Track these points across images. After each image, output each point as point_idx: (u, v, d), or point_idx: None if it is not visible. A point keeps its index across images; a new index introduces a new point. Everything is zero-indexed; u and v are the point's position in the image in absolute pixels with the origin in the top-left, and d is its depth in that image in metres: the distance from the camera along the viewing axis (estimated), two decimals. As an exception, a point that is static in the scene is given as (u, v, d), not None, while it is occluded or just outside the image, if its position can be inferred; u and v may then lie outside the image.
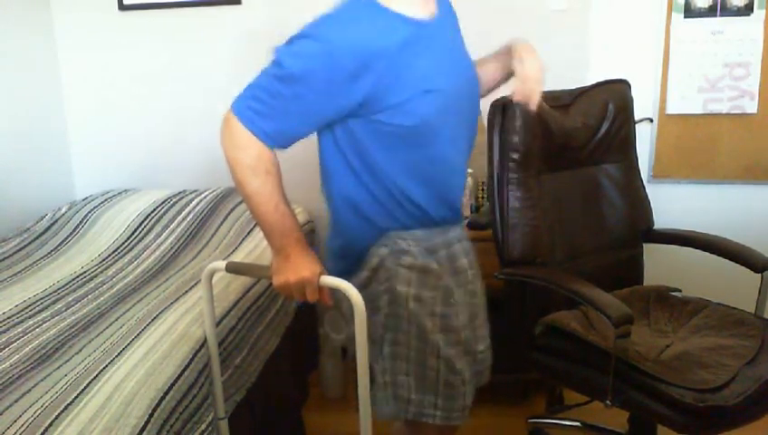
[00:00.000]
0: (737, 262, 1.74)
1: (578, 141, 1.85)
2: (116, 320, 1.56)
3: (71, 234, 2.25)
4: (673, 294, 1.86)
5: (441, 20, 1.26)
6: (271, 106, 1.13)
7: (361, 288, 1.27)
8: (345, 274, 1.29)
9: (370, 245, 1.28)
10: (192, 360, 1.40)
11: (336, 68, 1.09)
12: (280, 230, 1.19)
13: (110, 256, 2.07)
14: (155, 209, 2.32)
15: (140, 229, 2.23)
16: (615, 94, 1.90)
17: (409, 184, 1.24)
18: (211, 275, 1.38)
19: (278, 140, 1.17)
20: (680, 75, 2.34)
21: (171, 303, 1.65)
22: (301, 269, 1.18)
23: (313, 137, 1.29)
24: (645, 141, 2.38)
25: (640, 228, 1.93)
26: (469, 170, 2.28)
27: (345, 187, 1.25)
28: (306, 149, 1.37)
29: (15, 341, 1.44)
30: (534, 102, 1.31)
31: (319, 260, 1.22)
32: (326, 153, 1.26)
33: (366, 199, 1.25)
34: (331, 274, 1.25)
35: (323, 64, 1.09)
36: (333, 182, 1.27)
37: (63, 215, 2.36)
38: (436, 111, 1.19)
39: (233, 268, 1.34)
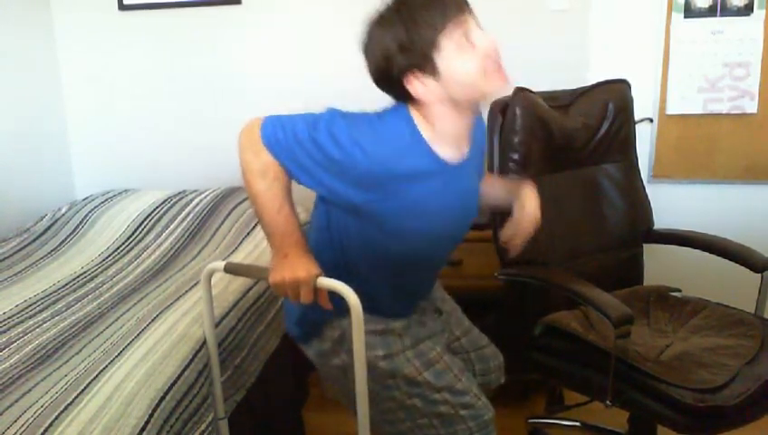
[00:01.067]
0: (737, 262, 1.74)
1: (578, 141, 1.85)
2: (116, 320, 1.56)
3: (71, 234, 2.25)
4: (673, 294, 1.86)
5: (469, 162, 1.26)
6: (288, 144, 1.15)
7: (329, 358, 1.34)
8: (301, 340, 1.36)
9: (328, 318, 1.31)
10: (192, 360, 1.40)
11: (350, 171, 1.12)
12: (281, 231, 1.20)
13: (110, 256, 2.07)
14: (155, 209, 2.32)
15: (140, 229, 2.23)
16: (615, 94, 1.90)
17: (382, 289, 1.29)
18: (210, 275, 1.38)
19: (286, 171, 1.19)
20: (680, 75, 2.33)
21: (171, 303, 1.65)
22: (297, 269, 1.18)
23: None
24: (645, 141, 2.38)
25: (640, 228, 1.93)
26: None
27: (320, 252, 1.26)
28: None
29: (15, 341, 1.44)
30: (515, 250, 1.39)
31: (316, 262, 1.22)
32: (318, 215, 1.30)
33: (332, 275, 1.24)
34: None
35: (342, 160, 1.11)
36: (312, 241, 1.29)
37: (63, 215, 2.36)
38: (427, 246, 1.25)
39: (231, 269, 1.34)
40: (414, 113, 1.17)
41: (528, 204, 1.36)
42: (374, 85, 1.19)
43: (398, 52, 1.10)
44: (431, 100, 1.14)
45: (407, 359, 1.32)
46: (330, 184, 1.16)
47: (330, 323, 1.32)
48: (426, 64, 1.11)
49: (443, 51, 1.10)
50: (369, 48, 1.15)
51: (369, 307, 1.27)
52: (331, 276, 1.25)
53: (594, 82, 1.94)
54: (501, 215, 1.70)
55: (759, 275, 1.69)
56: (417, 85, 1.12)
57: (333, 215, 1.25)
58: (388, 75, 1.13)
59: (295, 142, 1.14)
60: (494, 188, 1.46)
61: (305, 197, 1.53)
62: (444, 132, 1.17)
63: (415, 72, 1.12)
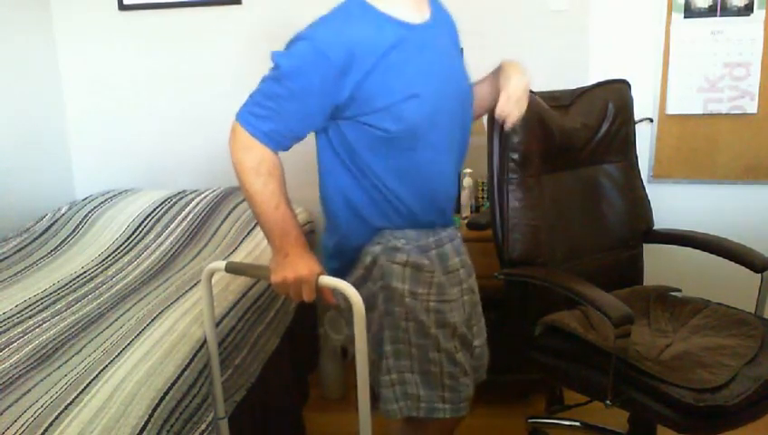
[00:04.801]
0: (737, 262, 1.74)
1: (578, 142, 1.85)
2: (116, 320, 1.56)
3: (71, 234, 2.25)
4: (673, 294, 1.86)
5: (434, 25, 1.28)
6: (268, 108, 1.18)
7: (356, 287, 1.29)
8: (340, 273, 1.32)
9: (364, 243, 1.31)
10: (192, 360, 1.40)
11: (325, 64, 1.14)
12: (280, 230, 1.20)
13: (110, 256, 2.07)
14: (155, 209, 2.32)
15: (140, 229, 2.23)
16: (615, 94, 1.90)
17: (398, 186, 1.27)
18: (211, 275, 1.38)
19: (277, 140, 1.21)
20: (680, 75, 2.34)
21: (171, 303, 1.65)
22: (299, 268, 1.18)
23: (312, 138, 1.31)
24: (645, 141, 2.38)
25: (640, 228, 1.93)
26: (469, 170, 2.28)
27: (341, 185, 1.28)
28: (307, 149, 1.38)
29: (15, 341, 1.44)
30: (512, 121, 1.36)
31: (318, 260, 1.23)
32: (322, 153, 1.30)
33: (360, 198, 1.28)
34: (326, 273, 1.25)
35: (314, 62, 1.14)
36: (330, 180, 1.30)
37: (63, 215, 2.36)
38: (422, 116, 1.22)
39: (232, 268, 1.34)
40: None
41: (512, 73, 1.35)
42: None
43: None
44: None
45: (427, 308, 1.31)
46: (321, 104, 1.18)
47: (363, 250, 1.32)
48: None
49: None
50: None
51: (405, 217, 1.30)
52: (362, 203, 1.27)
53: (594, 82, 1.94)
54: (501, 217, 1.71)
55: (759, 275, 1.69)
56: None
57: (333, 138, 1.25)
58: None
59: (272, 101, 1.17)
60: (481, 85, 1.45)
61: (306, 197, 1.55)
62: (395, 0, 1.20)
63: None
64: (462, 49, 1.43)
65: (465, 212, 2.30)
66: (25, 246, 2.16)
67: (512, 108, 1.34)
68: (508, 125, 1.40)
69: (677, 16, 2.30)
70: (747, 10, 2.25)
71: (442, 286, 1.33)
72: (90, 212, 2.35)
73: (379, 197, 1.28)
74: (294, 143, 1.24)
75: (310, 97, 1.17)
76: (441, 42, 1.30)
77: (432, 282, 1.32)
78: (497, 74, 1.40)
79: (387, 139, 1.21)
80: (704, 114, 2.35)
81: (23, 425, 1.11)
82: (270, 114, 1.18)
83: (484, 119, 1.80)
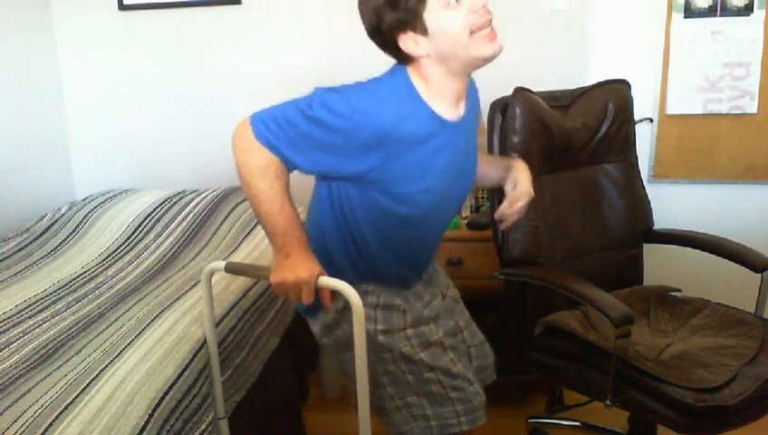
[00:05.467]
0: (737, 262, 1.74)
1: (578, 142, 1.85)
2: (116, 320, 1.56)
3: (71, 234, 2.25)
4: (673, 294, 1.86)
5: (465, 122, 1.27)
6: (284, 131, 1.16)
7: (330, 329, 1.35)
8: (310, 311, 1.36)
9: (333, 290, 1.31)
10: (192, 360, 1.40)
11: (354, 135, 1.13)
12: (282, 231, 1.20)
13: (110, 256, 2.07)
14: (155, 209, 2.32)
15: (140, 229, 2.23)
16: (615, 94, 1.90)
17: (381, 254, 1.30)
18: (211, 275, 1.38)
19: (279, 158, 1.20)
20: (680, 75, 2.33)
21: (171, 303, 1.65)
22: (299, 269, 1.18)
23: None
24: (645, 141, 2.38)
25: (640, 228, 1.93)
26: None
27: (324, 229, 1.30)
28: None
29: (15, 341, 1.44)
30: (507, 225, 1.43)
31: (318, 262, 1.22)
32: (319, 192, 1.31)
33: (338, 248, 1.30)
34: (326, 274, 1.26)
35: (346, 128, 1.13)
36: (315, 220, 1.32)
37: (63, 215, 2.36)
38: (431, 206, 1.25)
39: (232, 269, 1.34)
40: (411, 73, 1.19)
41: (520, 180, 1.39)
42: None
43: (387, 7, 1.13)
44: (422, 57, 1.17)
45: (406, 337, 1.32)
46: (332, 162, 1.17)
47: (335, 294, 1.31)
48: (414, 21, 1.14)
49: (429, 7, 1.13)
50: (362, 4, 1.18)
51: (374, 277, 1.31)
52: (336, 249, 1.28)
53: (594, 82, 1.94)
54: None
55: (759, 275, 1.69)
56: (409, 43, 1.16)
57: (335, 188, 1.25)
58: (380, 31, 1.17)
59: (290, 128, 1.16)
60: (485, 166, 1.47)
61: (306, 197, 1.53)
62: (439, 91, 1.19)
63: (405, 30, 1.15)
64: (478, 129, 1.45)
65: (465, 212, 2.30)
66: (25, 246, 2.16)
67: (511, 214, 1.39)
68: (503, 227, 1.48)
69: (677, 16, 2.29)
70: (747, 10, 2.24)
71: (417, 314, 1.35)
72: (90, 212, 2.35)
73: (358, 258, 1.30)
74: (292, 171, 1.23)
75: (326, 150, 1.16)
76: (466, 140, 1.30)
77: (406, 314, 1.34)
78: (506, 169, 1.43)
79: (388, 215, 1.24)
80: (704, 114, 2.35)
81: (23, 425, 1.11)
82: (283, 137, 1.17)
83: (485, 119, 1.80)
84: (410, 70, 1.20)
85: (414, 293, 1.38)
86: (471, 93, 1.32)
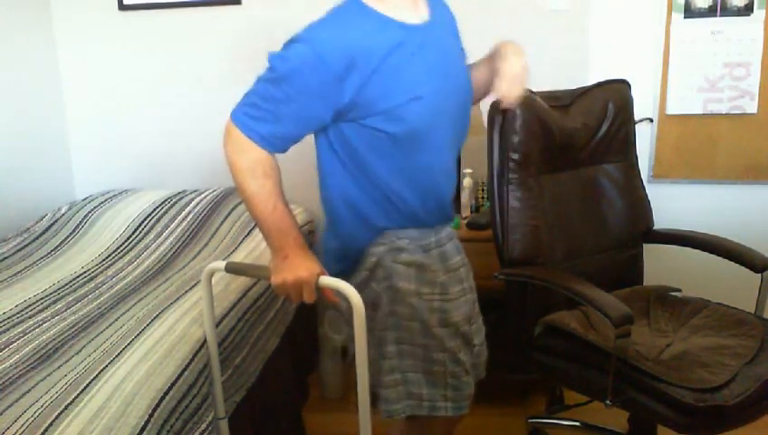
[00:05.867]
0: (737, 262, 1.74)
1: (578, 141, 1.85)
2: (116, 320, 1.56)
3: (71, 234, 2.25)
4: (673, 294, 1.86)
5: (434, 25, 1.27)
6: (264, 110, 1.17)
7: (361, 288, 1.29)
8: (343, 275, 1.31)
9: (367, 245, 1.30)
10: (192, 360, 1.40)
11: (324, 69, 1.12)
12: (278, 231, 1.20)
13: (110, 256, 2.07)
14: (155, 209, 2.32)
15: (140, 229, 2.23)
16: (615, 94, 1.90)
17: (400, 186, 1.27)
18: (211, 275, 1.38)
19: (274, 143, 1.20)
20: (680, 75, 2.33)
21: (171, 303, 1.65)
22: (299, 269, 1.18)
23: (311, 139, 1.30)
24: (645, 141, 2.38)
25: (640, 228, 1.93)
26: (469, 170, 2.28)
27: (342, 187, 1.28)
28: (306, 149, 1.37)
29: (15, 341, 1.44)
30: (512, 100, 1.30)
31: (318, 261, 1.22)
32: (323, 155, 1.29)
33: (362, 199, 1.27)
34: (326, 273, 1.25)
35: (312, 66, 1.12)
36: (331, 183, 1.29)
37: (63, 215, 2.36)
38: (424, 118, 1.22)
39: (232, 269, 1.34)
40: None
41: (510, 55, 1.31)
42: None
43: None
44: None
45: (432, 308, 1.31)
46: (319, 108, 1.17)
47: (366, 251, 1.31)
48: None
49: None
50: None
51: (406, 217, 1.29)
52: (364, 204, 1.27)
53: (594, 82, 1.94)
54: (501, 217, 1.71)
55: (759, 275, 1.69)
56: None
57: (333, 139, 1.24)
58: None
59: (268, 103, 1.16)
60: (478, 69, 1.43)
61: (305, 197, 1.55)
62: (393, 1, 1.20)
63: None
64: (463, 49, 1.41)
65: (465, 212, 2.30)
66: (25, 246, 2.16)
67: (509, 88, 1.28)
68: (509, 105, 1.36)
69: (677, 16, 2.29)
70: (747, 10, 2.24)
71: (445, 285, 1.33)
72: (90, 212, 2.35)
73: (381, 197, 1.27)
74: (291, 145, 1.23)
75: (307, 100, 1.16)
76: (441, 41, 1.29)
77: (436, 281, 1.32)
78: (494, 56, 1.37)
79: (389, 140, 1.21)
80: (704, 114, 2.35)
81: (23, 425, 1.11)
82: (266, 116, 1.17)
83: (485, 119, 1.80)
84: None
85: (441, 253, 1.35)
86: (436, 3, 1.32)
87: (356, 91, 1.15)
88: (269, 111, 1.17)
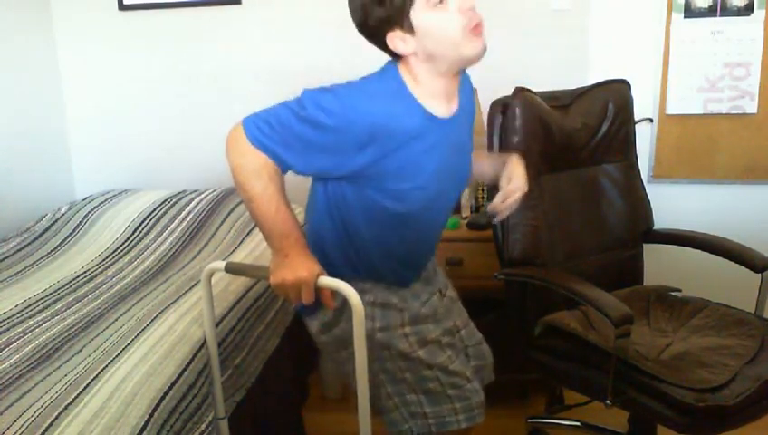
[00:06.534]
0: (737, 262, 1.74)
1: (578, 142, 1.85)
2: (116, 320, 1.56)
3: (71, 234, 2.25)
4: (673, 294, 1.86)
5: (458, 118, 1.28)
6: (279, 133, 1.17)
7: (328, 327, 1.34)
8: (308, 310, 1.36)
9: None
10: (192, 360, 1.40)
11: (347, 133, 1.13)
12: (279, 232, 1.20)
13: (110, 256, 2.07)
14: (155, 209, 2.32)
15: (140, 229, 2.23)
16: (615, 94, 1.90)
17: (377, 253, 1.30)
18: (210, 275, 1.38)
19: (275, 161, 1.20)
20: (680, 75, 2.33)
21: (171, 303, 1.65)
22: (298, 269, 1.18)
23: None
24: (645, 141, 2.38)
25: (640, 228, 1.93)
26: (469, 170, 2.28)
27: (322, 230, 1.30)
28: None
29: (15, 341, 1.44)
30: (500, 218, 1.43)
31: (317, 261, 1.22)
32: (315, 194, 1.31)
33: (335, 250, 1.30)
34: (326, 274, 1.26)
35: (338, 126, 1.13)
36: (313, 221, 1.32)
37: (63, 215, 2.36)
38: (425, 204, 1.26)
39: (232, 269, 1.34)
40: (402, 71, 1.20)
41: (514, 175, 1.39)
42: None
43: (374, 3, 1.14)
44: (411, 55, 1.18)
45: (404, 334, 1.32)
46: (327, 162, 1.17)
47: (334, 293, 1.31)
48: (401, 19, 1.14)
49: (416, 6, 1.14)
50: (351, 1, 1.19)
51: (372, 275, 1.31)
52: (333, 249, 1.28)
53: (594, 82, 1.94)
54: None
55: (759, 275, 1.69)
56: (396, 41, 1.16)
57: (330, 188, 1.25)
58: (367, 26, 1.17)
59: (283, 129, 1.16)
60: (481, 163, 1.47)
61: (303, 197, 1.54)
62: (429, 89, 1.20)
63: (393, 27, 1.15)
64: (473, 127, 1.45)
65: (465, 212, 2.30)
66: (25, 246, 2.16)
67: (504, 208, 1.39)
68: (496, 221, 1.49)
69: (677, 16, 2.29)
70: (747, 10, 2.24)
71: (415, 313, 1.35)
72: (90, 212, 2.35)
73: (355, 255, 1.30)
74: (286, 171, 1.23)
75: (320, 151, 1.16)
76: (460, 137, 1.31)
77: (403, 312, 1.34)
78: (502, 165, 1.43)
79: (383, 213, 1.24)
80: (704, 114, 2.35)
81: (23, 425, 1.11)
82: (277, 139, 1.17)
83: (485, 119, 1.80)
84: (401, 67, 1.20)
85: (411, 292, 1.39)
86: (465, 88, 1.33)
87: (367, 164, 1.17)
88: (282, 137, 1.17)
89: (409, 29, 1.15)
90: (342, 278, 1.22)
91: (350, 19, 1.23)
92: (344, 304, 1.29)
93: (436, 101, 1.21)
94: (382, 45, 1.19)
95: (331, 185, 1.25)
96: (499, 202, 1.38)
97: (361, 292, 1.29)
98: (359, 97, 1.15)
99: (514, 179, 1.39)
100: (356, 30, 1.21)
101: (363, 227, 1.26)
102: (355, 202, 1.24)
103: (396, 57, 1.21)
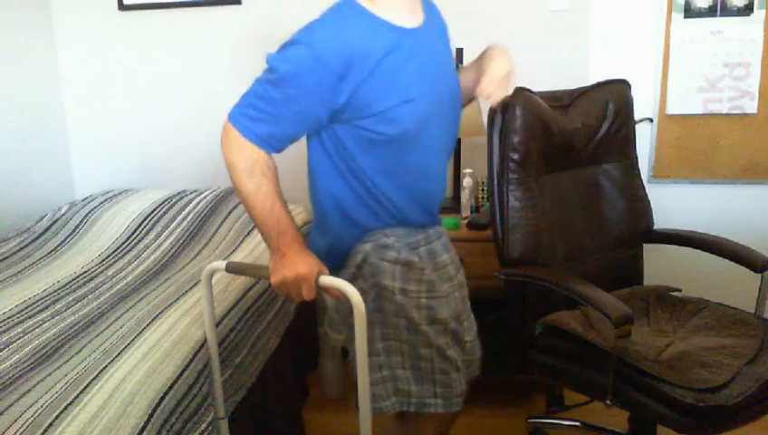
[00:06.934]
0: (737, 262, 1.74)
1: (578, 141, 1.85)
2: (116, 320, 1.56)
3: (71, 234, 2.25)
4: (673, 294, 1.86)
5: (428, 28, 1.28)
6: (263, 110, 1.18)
7: (359, 273, 1.31)
8: (331, 273, 1.32)
9: (352, 244, 1.32)
10: (192, 360, 1.40)
11: (323, 70, 1.14)
12: (276, 230, 1.20)
13: (110, 256, 2.07)
14: (155, 209, 2.32)
15: (140, 229, 2.23)
16: (615, 94, 1.90)
17: (389, 188, 1.28)
18: (211, 275, 1.38)
19: (272, 143, 1.21)
20: (680, 75, 2.34)
21: (171, 303, 1.65)
22: (298, 267, 1.18)
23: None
24: (645, 141, 2.38)
25: (640, 228, 1.93)
26: (469, 170, 2.28)
27: (331, 187, 1.29)
28: (305, 149, 1.37)
29: (15, 341, 1.44)
30: (494, 100, 1.32)
31: (317, 258, 1.23)
32: (314, 156, 1.30)
33: (350, 199, 1.29)
34: (326, 270, 1.26)
35: (311, 67, 1.13)
36: (320, 183, 1.31)
37: (63, 215, 2.36)
38: (416, 120, 1.24)
39: (232, 268, 1.34)
40: None
41: (494, 56, 1.35)
42: None
43: None
44: None
45: (418, 305, 1.32)
46: (317, 109, 1.18)
47: (354, 250, 1.32)
48: None
49: None
50: None
51: (396, 217, 1.31)
52: (352, 205, 1.28)
53: (594, 82, 1.94)
54: (501, 217, 1.71)
55: (759, 275, 1.69)
56: None
57: (328, 143, 1.25)
58: None
59: (267, 104, 1.17)
60: (467, 73, 1.46)
61: (305, 197, 1.54)
62: (388, 3, 1.21)
63: None
64: (452, 52, 1.42)
65: (465, 212, 2.30)
66: (25, 246, 2.16)
67: (494, 88, 1.30)
68: (492, 104, 1.38)
69: (677, 16, 2.30)
70: (747, 10, 2.25)
71: (432, 283, 1.34)
72: (90, 212, 2.35)
73: (370, 198, 1.29)
74: (288, 145, 1.24)
75: (306, 101, 1.17)
76: (434, 44, 1.30)
77: (422, 279, 1.33)
78: (481, 60, 1.40)
79: (380, 141, 1.22)
80: (704, 114, 2.35)
81: (23, 425, 1.11)
82: (264, 117, 1.18)
83: (485, 119, 1.80)
84: None
85: (429, 250, 1.37)
86: (431, 8, 1.34)
87: (352, 93, 1.16)
88: (267, 112, 1.17)
89: None
90: (365, 229, 1.24)
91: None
92: (364, 260, 1.30)
93: (400, 13, 1.22)
94: None
95: (326, 137, 1.25)
96: (486, 83, 1.30)
97: (384, 248, 1.29)
98: (321, 33, 1.16)
99: (495, 59, 1.34)
100: None
101: (367, 164, 1.25)
102: (351, 142, 1.23)
103: None
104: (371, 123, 1.20)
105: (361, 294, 1.29)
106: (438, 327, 1.34)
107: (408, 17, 1.24)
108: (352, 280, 1.32)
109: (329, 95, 1.16)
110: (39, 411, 1.15)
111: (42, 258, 2.05)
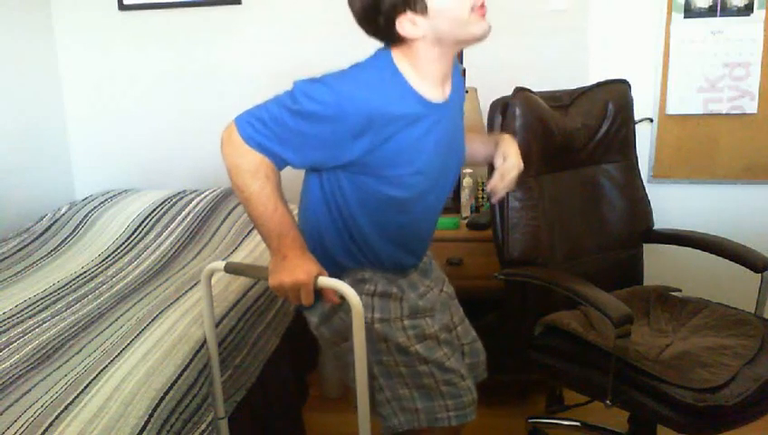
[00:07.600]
0: (737, 262, 1.74)
1: (578, 142, 1.85)
2: (116, 320, 1.56)
3: (71, 234, 2.25)
4: (673, 294, 1.86)
5: (450, 104, 1.28)
6: (272, 130, 1.16)
7: (326, 319, 1.33)
8: (308, 306, 1.34)
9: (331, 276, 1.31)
10: (192, 360, 1.40)
11: (342, 124, 1.13)
12: (277, 232, 1.19)
13: (110, 256, 2.07)
14: (155, 209, 2.32)
15: (140, 229, 2.23)
16: (615, 94, 1.90)
17: (376, 240, 1.29)
18: (210, 275, 1.38)
19: (271, 158, 1.20)
20: (680, 75, 2.34)
21: (171, 303, 1.65)
22: (296, 271, 1.18)
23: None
24: (645, 141, 2.38)
25: (640, 228, 1.93)
26: (469, 170, 2.28)
27: (318, 224, 1.29)
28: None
29: (15, 341, 1.44)
30: (497, 198, 1.42)
31: (316, 261, 1.22)
32: (310, 189, 1.30)
33: (335, 241, 1.29)
34: (325, 273, 1.26)
35: (332, 116, 1.12)
36: (309, 215, 1.31)
37: (63, 215, 2.36)
38: (421, 188, 1.25)
39: (232, 269, 1.34)
40: (396, 56, 1.19)
41: (509, 154, 1.39)
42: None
43: None
44: (418, 39, 1.17)
45: (402, 327, 1.32)
46: (324, 154, 1.17)
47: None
48: (415, 0, 1.13)
49: None
50: None
51: (373, 263, 1.31)
52: (332, 240, 1.27)
53: (594, 82, 1.94)
54: (501, 217, 1.71)
55: (759, 275, 1.69)
56: (407, 24, 1.15)
57: (326, 178, 1.25)
58: (377, 12, 1.15)
59: (277, 125, 1.15)
60: (475, 145, 1.47)
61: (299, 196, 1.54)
62: (427, 72, 1.20)
63: (405, 10, 1.14)
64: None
65: (465, 212, 2.30)
66: (25, 246, 2.16)
67: (501, 187, 1.39)
68: (494, 200, 1.47)
69: (677, 16, 2.30)
70: (747, 10, 2.25)
71: (413, 305, 1.35)
72: (90, 212, 2.35)
73: (353, 245, 1.30)
74: (283, 168, 1.22)
75: (316, 144, 1.16)
76: (453, 120, 1.31)
77: (401, 304, 1.33)
78: (495, 145, 1.43)
79: (380, 199, 1.23)
80: (704, 114, 2.35)
81: (23, 425, 1.11)
82: (271, 136, 1.16)
83: (485, 119, 1.80)
84: (395, 53, 1.19)
85: (409, 282, 1.38)
86: (455, 73, 1.33)
87: (364, 153, 1.16)
88: (276, 134, 1.16)
89: (422, 10, 1.14)
90: (342, 268, 1.22)
91: (350, 18, 1.22)
92: (341, 297, 1.28)
93: (431, 86, 1.21)
94: (386, 31, 1.17)
95: (326, 175, 1.24)
96: (497, 181, 1.38)
97: (360, 281, 1.29)
98: (352, 86, 1.14)
99: (509, 158, 1.38)
100: (354, 19, 1.20)
101: (361, 214, 1.25)
102: (352, 191, 1.23)
103: (393, 43, 1.19)
104: (377, 182, 1.21)
105: (344, 328, 1.31)
106: (430, 342, 1.34)
107: (438, 91, 1.23)
108: (330, 314, 1.34)
109: (339, 149, 1.16)
110: (39, 411, 1.15)
111: (42, 258, 2.05)
